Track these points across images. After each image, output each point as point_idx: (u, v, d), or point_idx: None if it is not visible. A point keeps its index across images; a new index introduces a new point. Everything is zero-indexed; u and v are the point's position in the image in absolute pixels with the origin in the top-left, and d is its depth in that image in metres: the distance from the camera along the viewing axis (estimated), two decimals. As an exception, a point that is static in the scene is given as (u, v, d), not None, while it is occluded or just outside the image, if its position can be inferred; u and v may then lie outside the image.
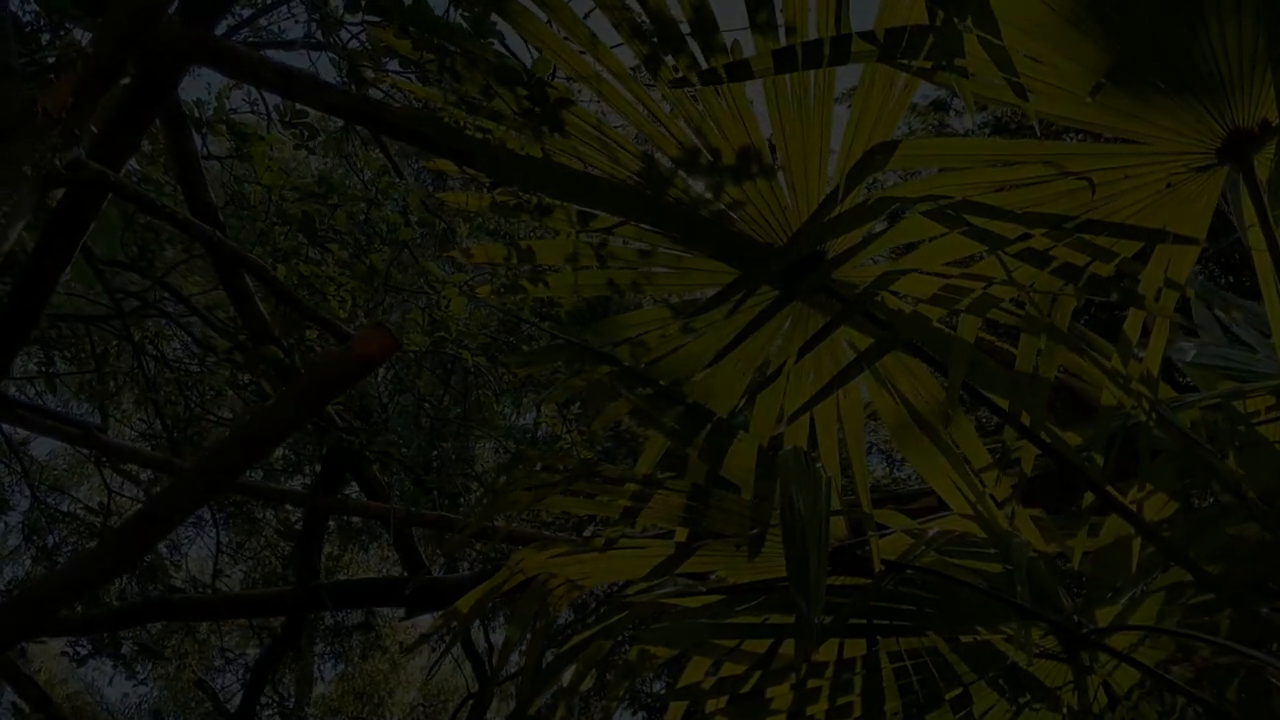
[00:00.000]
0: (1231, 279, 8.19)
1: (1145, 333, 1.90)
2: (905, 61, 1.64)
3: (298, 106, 3.25)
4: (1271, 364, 1.89)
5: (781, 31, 1.72)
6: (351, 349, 1.07)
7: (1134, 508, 1.81)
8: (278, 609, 5.39)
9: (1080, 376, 1.95)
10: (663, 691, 9.81)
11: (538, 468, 1.87)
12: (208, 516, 7.71)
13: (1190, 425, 1.92)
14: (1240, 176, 1.64)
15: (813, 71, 1.74)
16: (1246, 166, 1.57)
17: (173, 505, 1.30)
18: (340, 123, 5.01)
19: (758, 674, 1.97)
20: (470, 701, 7.98)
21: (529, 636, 1.96)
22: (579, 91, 2.10)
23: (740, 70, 1.66)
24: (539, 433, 8.78)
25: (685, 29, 1.77)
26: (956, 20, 1.58)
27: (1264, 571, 1.81)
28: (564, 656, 1.93)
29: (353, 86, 3.20)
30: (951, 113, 10.87)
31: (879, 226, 1.87)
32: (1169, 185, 1.68)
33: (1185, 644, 1.88)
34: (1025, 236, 1.76)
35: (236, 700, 10.53)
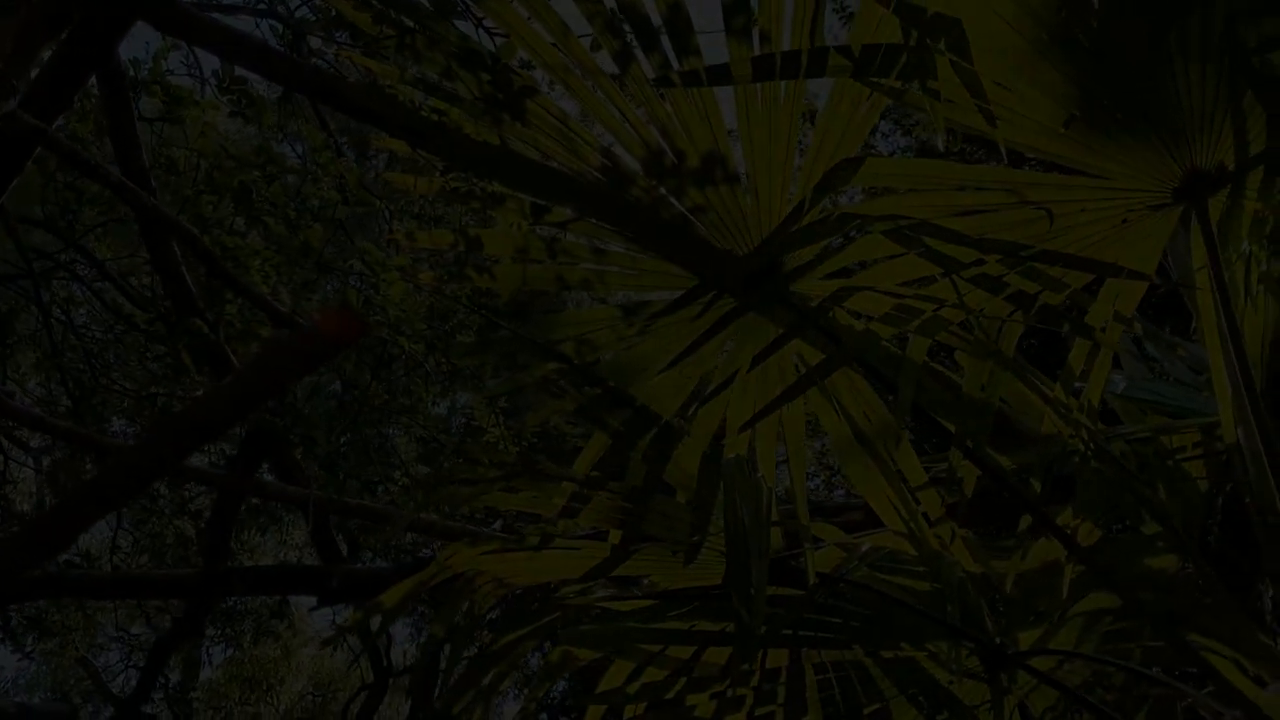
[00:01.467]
0: (1141, 314, 8.46)
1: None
2: (877, 80, 1.64)
3: (237, 72, 3.14)
4: (1209, 401, 1.95)
5: (756, 39, 1.71)
6: (315, 330, 1.03)
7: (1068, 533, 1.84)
8: (183, 591, 5.20)
9: (1011, 403, 1.98)
10: (565, 691, 9.78)
11: (459, 461, 1.84)
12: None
13: (1120, 455, 1.97)
14: (1192, 217, 1.67)
15: (784, 82, 1.73)
16: (1201, 208, 1.61)
17: (112, 488, 1.23)
18: (277, 93, 4.86)
19: (681, 680, 1.96)
20: (364, 693, 7.84)
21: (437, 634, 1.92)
22: (543, 81, 2.06)
23: (719, 74, 1.64)
24: (454, 423, 8.67)
25: (658, 26, 1.75)
26: (930, 41, 1.59)
27: (1181, 602, 1.86)
28: (488, 658, 1.89)
29: (295, 55, 3.10)
30: (878, 135, 11.03)
31: (832, 242, 1.86)
32: (1124, 221, 1.70)
33: (1100, 669, 1.93)
34: (980, 262, 1.77)
35: (119, 679, 10.21)
